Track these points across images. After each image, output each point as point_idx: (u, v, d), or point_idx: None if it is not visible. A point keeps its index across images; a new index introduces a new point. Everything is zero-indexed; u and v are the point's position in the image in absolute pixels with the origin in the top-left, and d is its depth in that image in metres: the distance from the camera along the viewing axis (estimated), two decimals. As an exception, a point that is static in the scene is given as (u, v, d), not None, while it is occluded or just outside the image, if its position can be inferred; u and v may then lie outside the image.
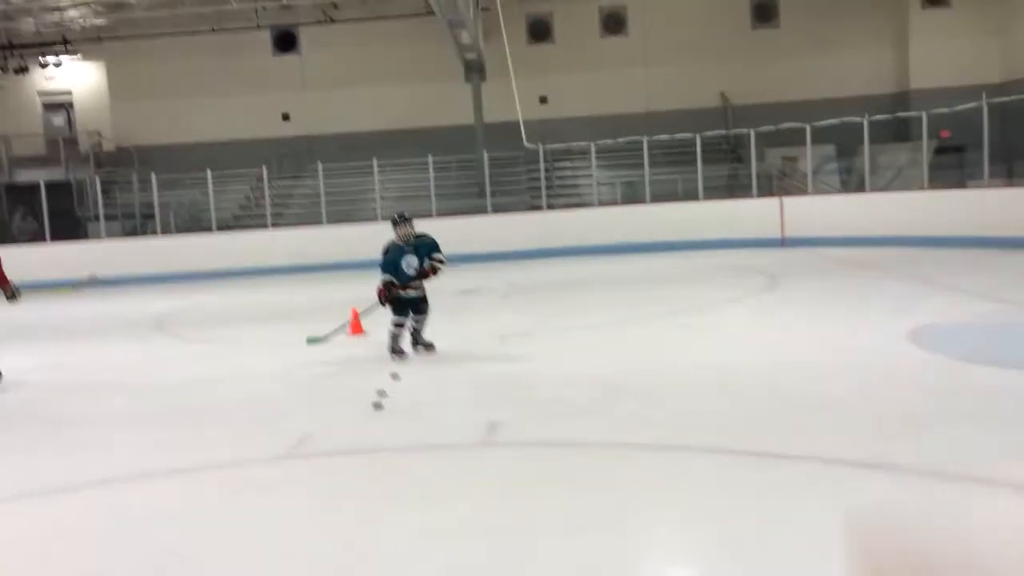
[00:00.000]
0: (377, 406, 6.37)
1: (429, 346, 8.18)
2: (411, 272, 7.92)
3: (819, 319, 9.04)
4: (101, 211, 19.70)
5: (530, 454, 5.16)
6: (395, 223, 7.99)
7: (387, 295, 7.85)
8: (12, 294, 7.54)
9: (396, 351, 7.99)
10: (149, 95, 23.53)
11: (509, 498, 4.44)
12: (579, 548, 3.76)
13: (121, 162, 23.20)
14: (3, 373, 7.40)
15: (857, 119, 16.87)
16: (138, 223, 21.25)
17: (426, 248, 8.01)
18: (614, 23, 23.76)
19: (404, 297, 7.93)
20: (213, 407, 6.81)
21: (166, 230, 20.07)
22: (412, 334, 8.16)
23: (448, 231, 18.01)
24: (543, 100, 23.10)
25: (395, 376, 7.27)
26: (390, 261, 7.91)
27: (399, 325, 8.01)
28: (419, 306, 8.05)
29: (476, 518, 4.18)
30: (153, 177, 19.44)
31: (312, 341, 8.70)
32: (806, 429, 5.22)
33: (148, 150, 22.95)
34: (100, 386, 7.80)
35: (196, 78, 23.63)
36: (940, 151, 19.93)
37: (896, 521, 3.84)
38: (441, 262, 8.04)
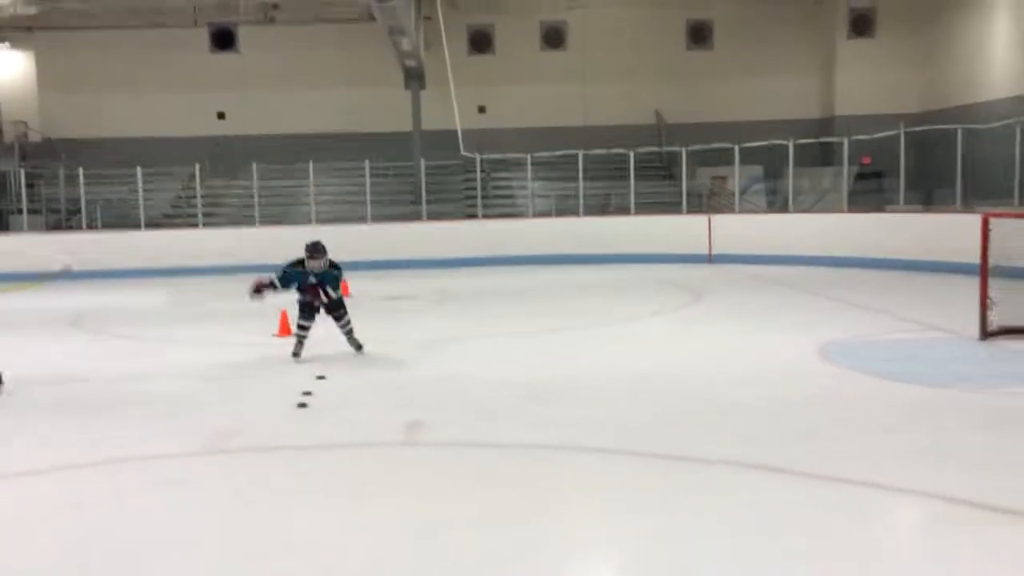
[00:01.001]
0: (301, 405, 6.44)
1: (359, 347, 8.36)
2: (329, 298, 8.15)
3: (735, 332, 9.39)
4: (24, 204, 19.19)
5: (447, 453, 5.30)
6: (312, 252, 8.04)
7: (257, 289, 8.11)
8: None
9: (296, 354, 8.16)
10: (79, 87, 23.00)
11: (425, 493, 4.58)
12: (490, 541, 3.92)
13: (48, 155, 22.57)
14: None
15: (783, 142, 17.46)
16: (63, 218, 20.73)
17: (334, 278, 8.16)
18: (554, 37, 24.12)
19: (307, 301, 8.13)
20: (132, 403, 6.76)
21: (92, 226, 19.63)
22: (347, 336, 8.34)
23: (382, 237, 18.25)
24: (482, 110, 23.28)
25: (320, 377, 7.33)
26: (287, 277, 8.10)
27: (303, 328, 8.18)
28: (338, 318, 8.25)
29: (392, 513, 4.31)
30: (80, 171, 19.02)
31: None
32: (711, 433, 5.48)
33: (76, 143, 22.37)
34: (17, 380, 7.66)
35: (130, 72, 23.17)
36: (861, 176, 20.76)
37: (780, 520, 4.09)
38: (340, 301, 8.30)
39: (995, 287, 8.29)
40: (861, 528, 3.95)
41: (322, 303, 8.20)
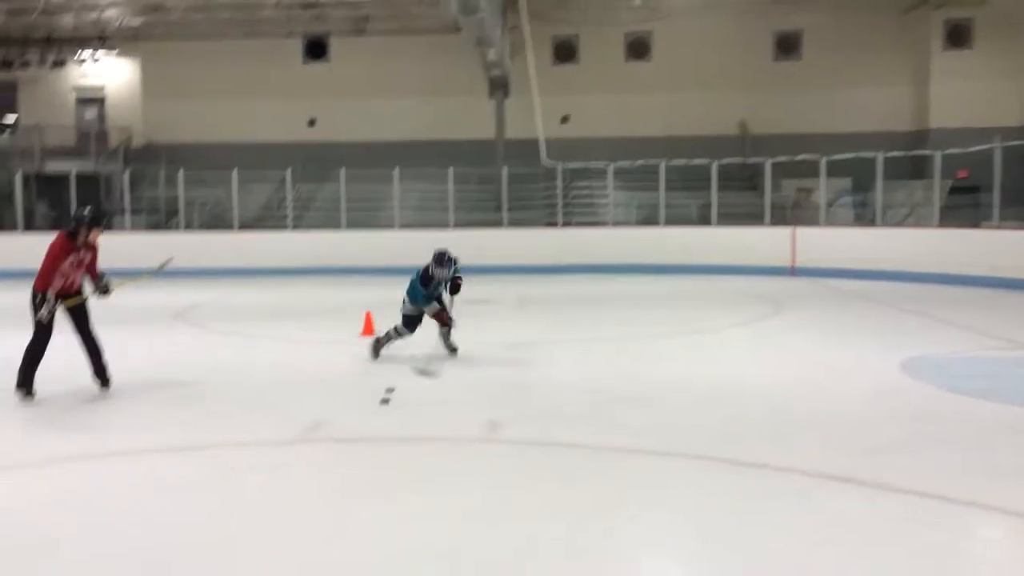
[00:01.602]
0: (384, 401, 6.70)
1: (454, 349, 8.56)
2: (441, 300, 8.36)
3: (817, 345, 9.31)
4: (128, 204, 20.21)
5: (526, 451, 5.47)
6: (440, 263, 8.14)
7: (441, 315, 8.25)
8: (105, 288, 7.01)
9: (376, 353, 8.37)
10: (180, 94, 24.09)
11: (505, 488, 4.76)
12: (558, 534, 4.07)
13: (149, 158, 23.72)
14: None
15: (871, 154, 17.12)
16: (163, 218, 21.74)
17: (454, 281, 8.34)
18: (639, 48, 24.15)
19: (407, 316, 8.33)
20: (231, 393, 7.16)
21: (190, 226, 20.55)
22: (442, 337, 8.50)
23: (464, 243, 18.46)
24: (564, 119, 23.47)
25: (424, 372, 7.55)
26: (430, 295, 8.21)
27: (400, 335, 8.38)
28: (447, 320, 8.38)
29: (466, 503, 4.49)
30: (180, 174, 19.94)
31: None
32: (787, 443, 5.50)
33: (176, 148, 23.47)
34: (129, 369, 8.15)
35: (227, 80, 24.17)
36: (955, 190, 20.16)
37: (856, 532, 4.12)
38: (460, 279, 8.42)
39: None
40: (930, 541, 3.95)
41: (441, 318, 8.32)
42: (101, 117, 25.09)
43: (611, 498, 4.57)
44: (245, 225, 20.55)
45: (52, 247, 6.77)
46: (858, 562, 3.72)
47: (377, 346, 8.45)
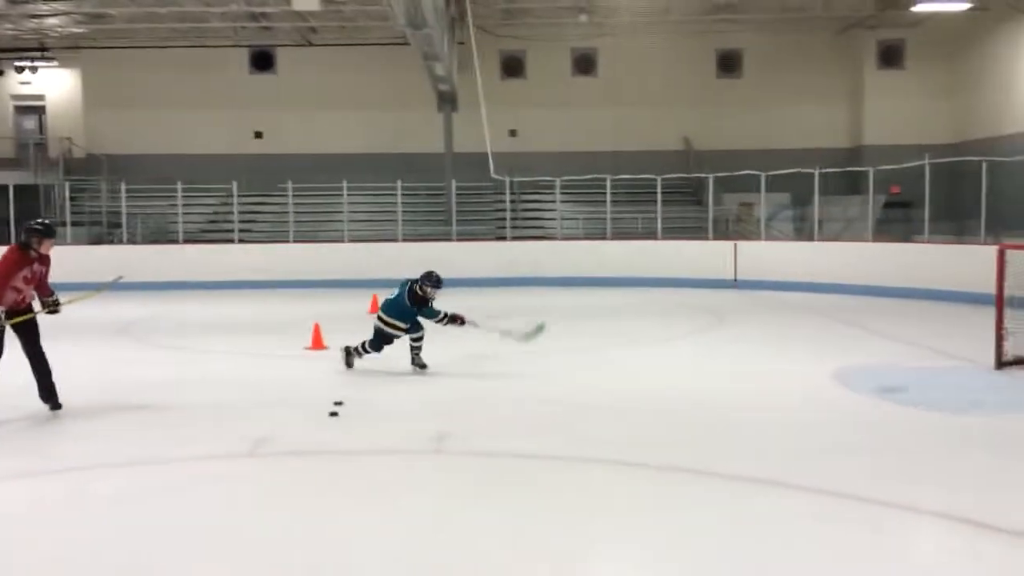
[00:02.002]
0: (332, 414, 6.78)
1: (423, 366, 8.59)
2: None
3: (755, 356, 9.64)
4: (68, 217, 19.86)
5: (472, 461, 5.61)
6: (437, 284, 8.45)
7: (461, 317, 8.56)
8: (55, 304, 7.01)
9: (349, 364, 8.51)
10: (123, 105, 23.73)
11: (452, 497, 4.90)
12: (504, 541, 4.22)
13: (91, 170, 23.32)
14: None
15: (809, 170, 17.66)
16: (104, 231, 21.37)
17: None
18: (585, 64, 24.54)
19: (387, 333, 8.44)
20: (178, 408, 7.15)
21: (132, 240, 20.25)
22: (411, 351, 8.59)
23: (413, 256, 18.61)
24: (513, 133, 23.68)
25: (339, 403, 7.54)
26: (427, 313, 8.43)
27: (367, 352, 8.49)
28: (413, 331, 8.53)
29: (416, 512, 4.62)
30: (123, 186, 19.66)
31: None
32: (724, 450, 5.75)
33: (119, 159, 23.09)
34: (73, 385, 8.07)
35: (171, 91, 23.88)
36: (889, 205, 20.89)
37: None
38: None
39: (1012, 318, 8.47)
40: (844, 538, 4.19)
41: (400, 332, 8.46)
42: (41, 127, 24.60)
43: (556, 504, 4.73)
44: (190, 238, 20.31)
45: (4, 260, 6.58)
46: (778, 557, 3.94)
47: (348, 359, 8.53)
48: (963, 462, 5.49)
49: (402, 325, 8.42)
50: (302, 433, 6.36)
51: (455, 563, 3.97)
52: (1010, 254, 8.53)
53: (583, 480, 5.21)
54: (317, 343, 9.91)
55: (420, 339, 8.55)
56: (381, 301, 8.92)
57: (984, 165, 15.07)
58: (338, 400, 7.12)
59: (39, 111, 24.86)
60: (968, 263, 13.92)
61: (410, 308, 8.36)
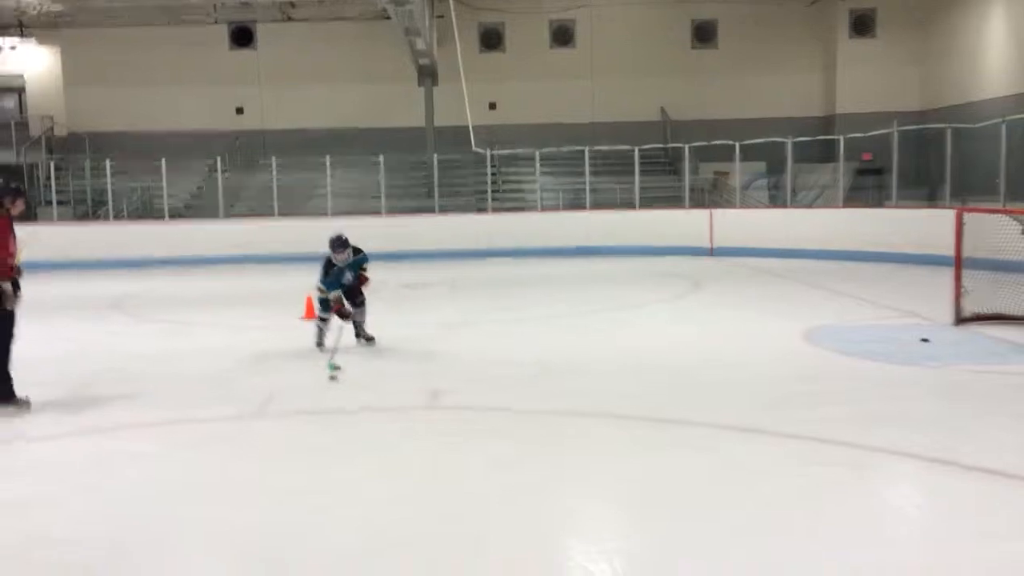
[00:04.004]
0: (332, 378, 7.17)
1: (370, 339, 8.75)
2: (347, 283, 8.53)
3: (728, 318, 10.12)
4: (54, 195, 20.00)
5: (465, 415, 6.04)
6: (335, 248, 8.39)
7: (342, 309, 8.44)
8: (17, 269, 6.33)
9: (320, 343, 8.55)
10: (104, 82, 23.78)
11: (445, 446, 5.32)
12: (504, 483, 4.66)
13: (73, 148, 23.41)
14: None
15: (782, 139, 18.11)
16: (89, 208, 21.54)
17: (357, 263, 8.61)
18: (563, 35, 24.80)
19: (323, 299, 8.49)
20: (178, 376, 7.52)
21: (118, 216, 20.45)
22: (355, 327, 8.73)
23: (397, 229, 18.97)
24: (492, 106, 23.97)
25: (336, 367, 7.97)
26: (333, 280, 8.43)
27: (324, 320, 8.57)
28: (355, 300, 8.61)
29: (416, 461, 5.05)
30: (107, 164, 19.82)
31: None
32: (698, 402, 6.21)
33: (101, 137, 23.20)
34: (68, 358, 8.44)
35: (152, 68, 23.94)
36: (861, 172, 21.42)
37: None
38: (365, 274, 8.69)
39: (969, 277, 8.98)
40: (812, 476, 4.66)
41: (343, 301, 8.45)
42: (21, 106, 24.60)
43: (543, 452, 5.17)
44: (175, 214, 20.53)
45: None
46: (751, 494, 4.41)
47: (319, 337, 8.61)
48: (919, 407, 5.97)
49: (322, 291, 8.49)
50: (304, 395, 6.75)
51: (449, 500, 4.40)
52: (967, 217, 9.02)
53: (568, 430, 5.64)
54: (310, 313, 10.25)
55: (363, 304, 8.61)
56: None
57: (949, 132, 15.57)
58: (336, 364, 7.51)
59: (18, 90, 24.82)
60: (934, 227, 14.36)
61: (322, 276, 8.43)
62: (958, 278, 8.94)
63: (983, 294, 8.86)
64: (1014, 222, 8.62)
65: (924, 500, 4.47)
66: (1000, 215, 9.05)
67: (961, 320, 8.87)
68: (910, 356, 7.50)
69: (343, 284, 8.48)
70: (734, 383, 6.77)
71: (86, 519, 4.28)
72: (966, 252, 8.98)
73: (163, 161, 19.67)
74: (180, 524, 4.19)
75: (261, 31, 24.46)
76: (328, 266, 8.45)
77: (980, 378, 6.74)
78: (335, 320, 8.44)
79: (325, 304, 8.56)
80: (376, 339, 8.75)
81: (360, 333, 8.78)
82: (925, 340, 8.06)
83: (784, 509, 4.22)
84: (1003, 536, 3.88)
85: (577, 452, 5.18)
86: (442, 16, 21.98)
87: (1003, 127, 14.47)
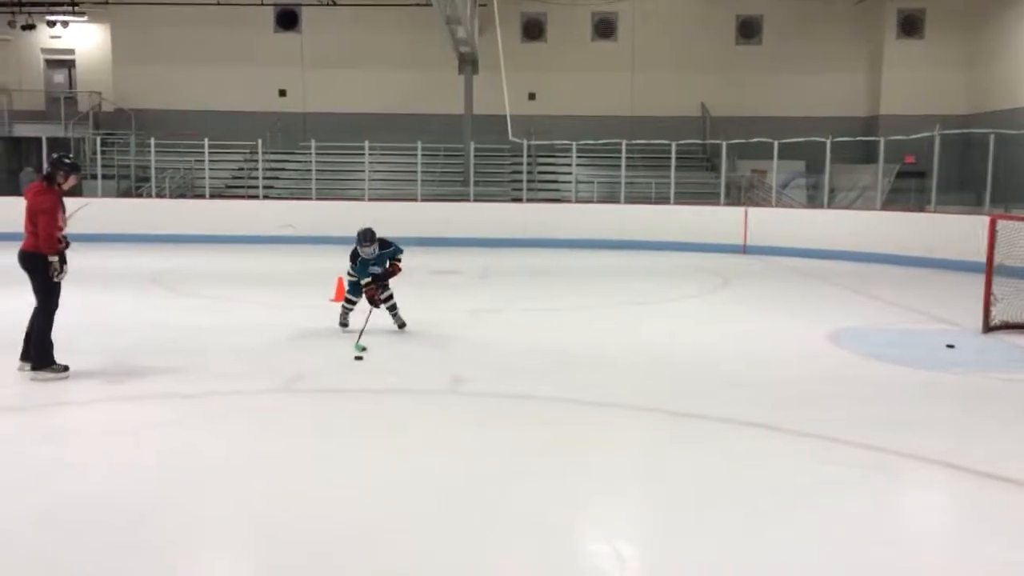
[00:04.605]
0: (357, 358, 7.34)
1: (403, 324, 8.80)
2: (375, 275, 8.61)
3: (756, 317, 10.12)
4: (100, 170, 20.45)
5: (485, 400, 6.17)
6: (361, 242, 8.47)
7: (374, 295, 8.56)
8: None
9: (343, 324, 8.71)
10: (151, 60, 24.20)
11: (465, 429, 5.46)
12: (517, 467, 4.78)
13: (119, 124, 23.89)
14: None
15: (822, 139, 17.95)
16: (132, 184, 21.99)
17: (386, 256, 8.65)
18: (605, 28, 24.74)
19: (354, 282, 8.68)
20: (212, 349, 7.75)
21: (160, 193, 20.87)
22: (389, 312, 8.80)
23: (432, 215, 19.15)
24: (532, 96, 24.02)
25: (363, 348, 8.15)
26: (360, 269, 8.54)
27: (352, 302, 8.74)
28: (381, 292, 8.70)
29: (437, 442, 5.19)
30: (152, 141, 20.21)
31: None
32: (718, 397, 6.27)
33: (146, 114, 23.65)
34: (111, 329, 8.71)
35: (198, 48, 24.32)
36: (902, 175, 21.15)
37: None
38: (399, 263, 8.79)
39: (1000, 284, 8.91)
40: (824, 474, 4.72)
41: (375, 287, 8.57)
42: (71, 81, 25.14)
43: (560, 439, 5.29)
44: (215, 194, 20.89)
45: (43, 203, 6.31)
46: (759, 490, 4.48)
47: (343, 318, 8.77)
48: (937, 412, 5.98)
49: (352, 272, 8.65)
50: (330, 374, 6.93)
51: (463, 481, 4.53)
52: (1001, 224, 8.94)
53: (586, 420, 5.75)
54: (340, 295, 10.42)
55: (389, 299, 8.73)
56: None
57: (992, 137, 15.34)
58: (363, 346, 7.68)
59: (69, 65, 25.37)
60: (972, 233, 14.22)
61: (350, 266, 8.62)
62: (988, 285, 8.86)
63: (1014, 302, 8.79)
64: (1049, 231, 8.53)
65: (932, 503, 4.51)
66: (1035, 223, 8.95)
67: (990, 328, 8.81)
68: (934, 361, 7.48)
69: (371, 274, 8.60)
70: (754, 381, 6.82)
71: (113, 483, 4.48)
72: (999, 260, 8.90)
73: (205, 141, 20.02)
74: (203, 491, 4.37)
75: (306, 14, 24.71)
76: (354, 257, 8.59)
77: (1003, 386, 6.72)
78: (363, 303, 8.60)
79: (355, 287, 8.71)
80: (407, 325, 8.85)
81: (395, 319, 8.81)
82: (951, 346, 8.04)
83: (791, 505, 4.28)
84: (1006, 544, 3.92)
85: (592, 442, 5.28)
86: (484, 5, 22.05)
87: (1047, 134, 14.22)
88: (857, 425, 5.55)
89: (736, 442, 5.26)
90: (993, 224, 8.88)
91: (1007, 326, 8.76)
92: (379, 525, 3.98)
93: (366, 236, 8.55)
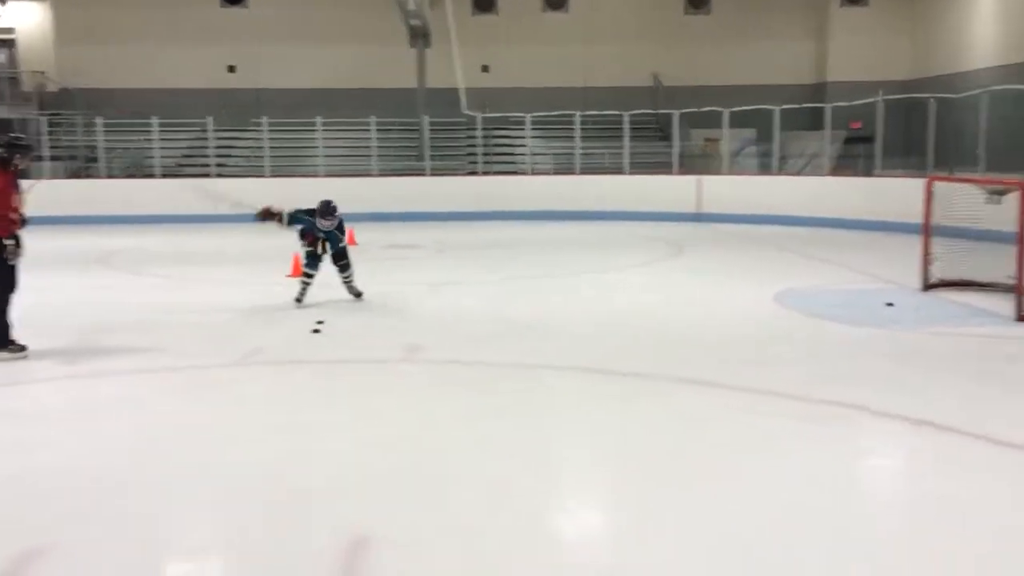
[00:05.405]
0: (315, 331, 7.45)
1: (359, 294, 8.98)
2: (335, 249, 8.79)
3: (706, 281, 10.41)
4: (47, 151, 20.07)
5: (441, 367, 6.33)
6: (325, 214, 8.62)
7: (265, 215, 8.78)
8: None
9: (299, 299, 8.73)
10: (96, 39, 23.69)
11: (422, 394, 5.62)
12: (472, 428, 4.95)
13: (64, 104, 23.37)
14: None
15: (772, 107, 18.25)
16: (81, 165, 21.62)
17: (334, 237, 8.77)
18: (555, 0, 24.75)
19: (314, 252, 8.75)
20: (169, 326, 7.80)
21: (110, 174, 20.56)
22: (344, 282, 8.97)
23: (387, 190, 19.15)
24: (485, 69, 23.97)
25: (320, 322, 8.09)
26: (295, 219, 8.74)
27: (309, 276, 8.78)
28: (340, 262, 8.88)
29: (394, 407, 5.34)
30: (99, 121, 19.88)
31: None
32: (662, 358, 6.52)
33: (93, 93, 23.16)
34: (60, 308, 8.70)
35: (144, 25, 23.84)
36: (850, 140, 21.58)
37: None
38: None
39: (938, 244, 9.26)
40: (763, 425, 4.97)
41: (325, 252, 8.76)
42: (12, 61, 24.53)
43: (514, 401, 5.47)
44: (167, 173, 20.65)
45: None
46: (699, 441, 4.71)
47: (300, 294, 8.76)
48: (872, 366, 6.27)
49: (304, 241, 8.79)
50: (288, 346, 7.04)
51: (420, 443, 4.70)
52: (937, 185, 9.27)
53: (537, 382, 5.94)
54: (297, 271, 10.47)
55: (345, 269, 8.91)
56: (356, 233, 9.05)
57: (933, 102, 15.75)
58: (319, 320, 7.79)
59: (9, 44, 24.72)
60: (914, 195, 14.62)
61: (308, 220, 8.73)
62: (926, 245, 9.21)
63: (950, 261, 9.15)
64: (981, 192, 8.86)
65: (863, 448, 4.78)
66: (969, 184, 9.28)
67: (928, 286, 9.16)
68: (874, 319, 7.80)
69: (324, 251, 8.73)
70: (700, 341, 7.07)
71: (80, 455, 4.57)
72: (936, 220, 9.24)
73: (154, 119, 19.74)
74: (167, 460, 4.48)
75: (253, -11, 24.35)
76: (307, 213, 8.67)
77: (934, 339, 7.05)
78: (319, 277, 8.70)
79: (313, 261, 8.78)
80: (363, 295, 9.01)
81: (350, 289, 9.00)
82: (890, 304, 8.36)
83: (730, 454, 4.52)
84: (933, 479, 4.20)
85: (545, 403, 5.48)
86: (435, -23, 21.96)
87: (984, 98, 14.65)
88: (797, 380, 5.82)
89: (677, 399, 5.50)
90: (930, 185, 9.21)
91: (944, 284, 9.12)
92: (337, 487, 4.13)
93: (330, 208, 8.67)
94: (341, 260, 8.94)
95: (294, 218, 8.85)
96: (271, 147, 20.42)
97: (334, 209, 8.74)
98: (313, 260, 8.83)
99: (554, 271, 11.48)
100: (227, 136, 22.50)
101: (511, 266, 12.14)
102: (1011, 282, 7.80)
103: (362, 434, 4.88)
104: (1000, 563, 3.32)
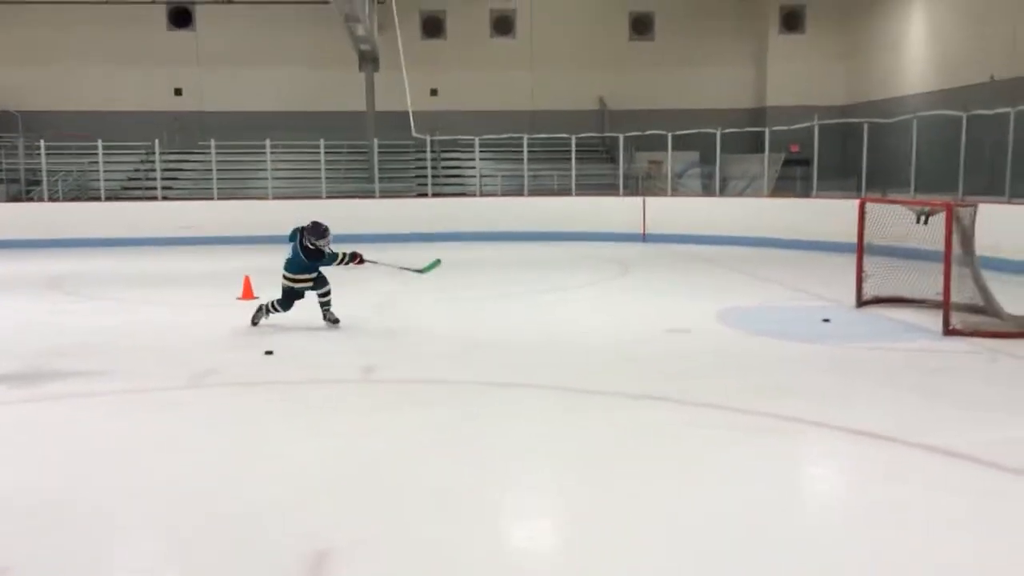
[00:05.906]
0: (268, 352, 7.51)
1: (336, 320, 8.82)
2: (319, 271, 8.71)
3: (650, 300, 10.71)
4: (-13, 174, 19.75)
5: (396, 386, 6.46)
6: (325, 235, 8.49)
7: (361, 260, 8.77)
8: None
9: (255, 322, 8.71)
10: (37, 60, 23.39)
11: (376, 412, 5.74)
12: (425, 443, 5.09)
13: (4, 126, 23.00)
14: None
15: (712, 130, 18.79)
16: (23, 188, 21.26)
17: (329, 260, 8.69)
18: (503, 25, 25.16)
19: (296, 289, 8.61)
20: (119, 350, 7.79)
21: (53, 197, 20.26)
22: (321, 307, 8.80)
23: (337, 212, 19.15)
24: (434, 92, 24.24)
25: (269, 352, 8.12)
26: (308, 266, 8.53)
27: (275, 310, 8.66)
28: (319, 287, 8.74)
29: (348, 427, 5.46)
30: (42, 143, 19.61)
31: None
32: (609, 374, 6.73)
33: (35, 116, 22.83)
34: (9, 331, 8.62)
35: (87, 47, 23.62)
36: (788, 163, 22.27)
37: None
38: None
39: (871, 263, 9.67)
40: (706, 436, 5.20)
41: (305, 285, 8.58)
42: (-51, 83, 24.02)
43: (467, 418, 5.62)
44: (111, 196, 20.42)
45: None
46: (652, 453, 4.92)
47: (256, 316, 8.75)
48: (809, 379, 6.57)
49: (309, 277, 8.58)
50: (240, 369, 7.09)
51: (376, 457, 4.82)
52: (869, 206, 9.70)
53: (491, 398, 6.10)
54: (248, 293, 10.54)
55: (327, 294, 8.75)
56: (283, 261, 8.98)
57: (866, 126, 16.39)
58: (273, 342, 7.85)
59: (-55, 66, 24.21)
60: (849, 216, 15.17)
61: (308, 263, 8.51)
62: (859, 263, 9.62)
63: (883, 278, 9.56)
64: (911, 212, 9.29)
65: (802, 457, 5.03)
66: (899, 205, 9.73)
67: (863, 303, 9.56)
68: (811, 335, 8.13)
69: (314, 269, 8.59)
70: (646, 357, 7.31)
71: (28, 477, 4.59)
72: (869, 239, 9.66)
73: (99, 142, 19.54)
74: (122, 479, 4.53)
75: (200, 12, 24.29)
76: (312, 255, 8.43)
77: (869, 354, 7.39)
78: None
79: (287, 296, 8.58)
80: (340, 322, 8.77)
81: (327, 315, 8.78)
82: (826, 320, 8.72)
83: (681, 465, 4.73)
84: (868, 486, 4.46)
85: (498, 417, 5.64)
86: (383, 2, 22.19)
87: (914, 123, 15.31)
88: (737, 393, 6.07)
89: (627, 413, 5.71)
90: (862, 207, 9.63)
91: (878, 300, 9.53)
92: (292, 502, 4.22)
93: (325, 230, 8.49)
94: (323, 285, 8.73)
95: (303, 266, 8.54)
96: (219, 170, 20.33)
97: (327, 229, 8.56)
98: (289, 302, 8.61)
99: (505, 290, 11.69)
100: (174, 159, 22.35)
101: (462, 285, 12.29)
102: (939, 299, 8.20)
103: (316, 450, 4.98)
104: (937, 570, 3.55)
